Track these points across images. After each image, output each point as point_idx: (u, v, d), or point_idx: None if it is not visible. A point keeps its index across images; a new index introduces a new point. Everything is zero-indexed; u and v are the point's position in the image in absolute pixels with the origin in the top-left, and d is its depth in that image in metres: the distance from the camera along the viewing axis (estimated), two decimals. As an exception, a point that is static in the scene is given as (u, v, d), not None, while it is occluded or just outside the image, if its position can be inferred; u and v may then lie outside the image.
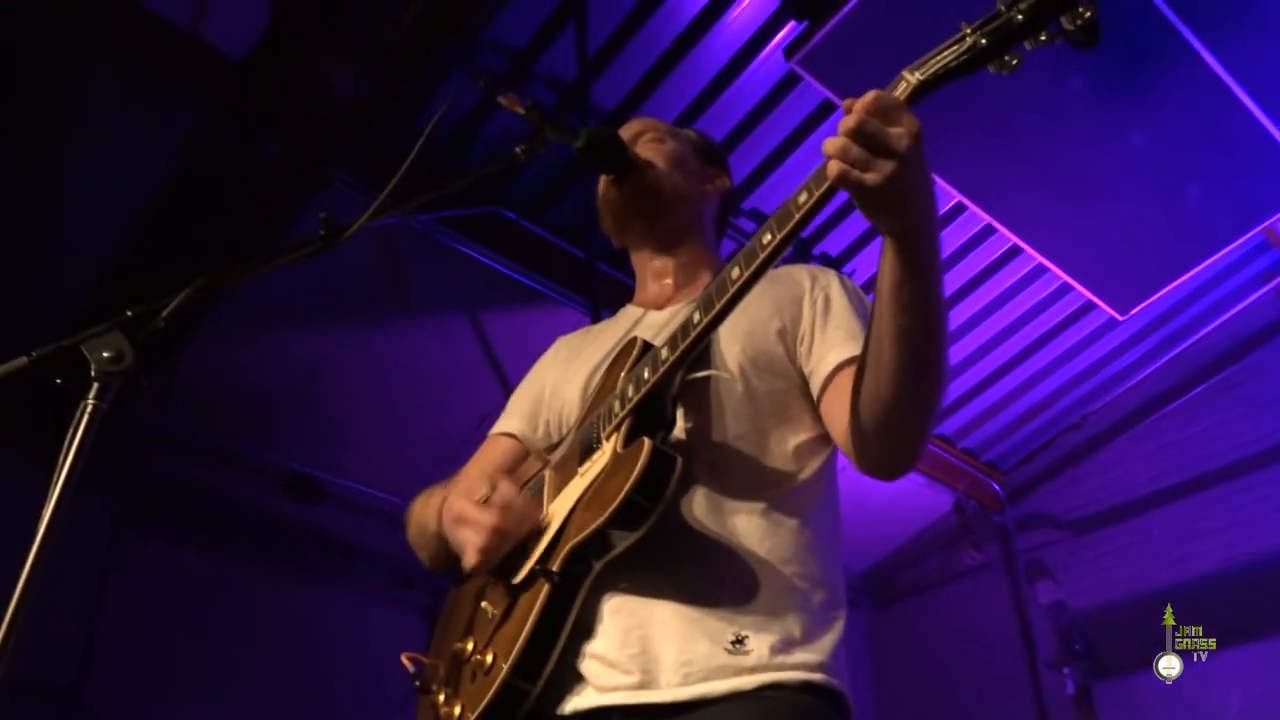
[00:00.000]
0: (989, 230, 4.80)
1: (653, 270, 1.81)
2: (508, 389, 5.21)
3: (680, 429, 1.48)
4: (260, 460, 5.07)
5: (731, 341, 1.53)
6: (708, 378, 1.51)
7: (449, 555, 1.66)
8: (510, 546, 1.47)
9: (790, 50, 3.89)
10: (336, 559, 4.99)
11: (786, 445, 1.51)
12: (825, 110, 4.27)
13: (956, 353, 5.60)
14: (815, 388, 1.51)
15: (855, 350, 1.44)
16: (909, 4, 3.77)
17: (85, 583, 4.27)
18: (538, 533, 1.46)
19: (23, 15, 3.19)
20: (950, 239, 4.94)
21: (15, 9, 3.14)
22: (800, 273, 1.65)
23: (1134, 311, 5.03)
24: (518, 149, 1.64)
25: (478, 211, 4.28)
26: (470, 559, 1.44)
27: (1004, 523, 6.37)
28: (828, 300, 1.58)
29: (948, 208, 4.76)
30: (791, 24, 4.04)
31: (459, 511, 1.49)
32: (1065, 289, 5.10)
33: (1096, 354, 5.76)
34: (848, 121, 1.14)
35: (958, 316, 5.35)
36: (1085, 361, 5.81)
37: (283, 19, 3.59)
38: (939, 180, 4.32)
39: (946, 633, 6.39)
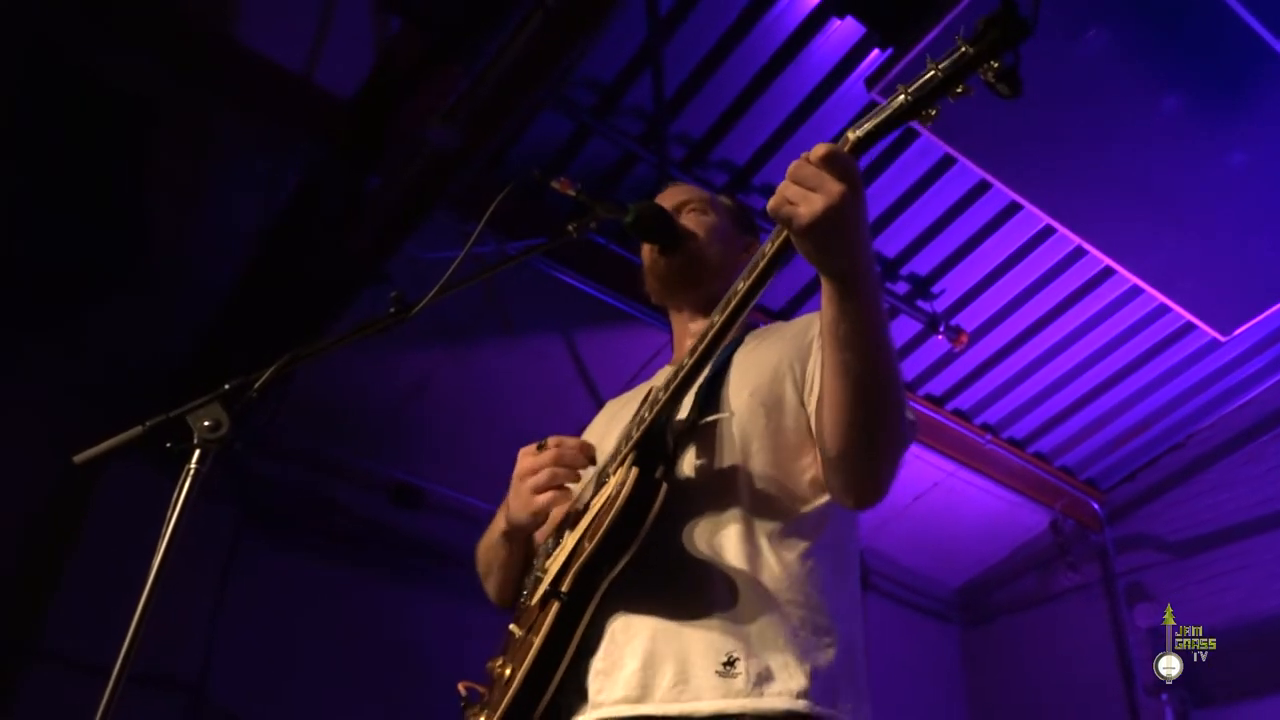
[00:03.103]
0: (1079, 252, 4.75)
1: (690, 333, 1.94)
2: (599, 404, 5.43)
3: (692, 467, 1.61)
4: (369, 470, 5.37)
5: (742, 386, 1.66)
6: (717, 421, 1.63)
7: (514, 572, 1.82)
8: (574, 479, 1.64)
9: (871, 80, 3.94)
10: (437, 564, 5.24)
11: (793, 481, 1.60)
12: (907, 138, 4.31)
13: (1050, 371, 5.55)
14: (812, 424, 1.61)
15: None
16: (991, 33, 3.79)
17: (208, 584, 4.63)
18: (556, 559, 1.61)
19: (150, 69, 3.50)
20: (1039, 261, 4.91)
21: (143, 64, 3.45)
22: (813, 317, 1.73)
23: (1237, 332, 4.90)
24: (570, 227, 1.77)
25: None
26: (541, 500, 1.62)
27: (1103, 542, 6.25)
28: None
29: (1036, 230, 4.74)
30: (875, 52, 4.10)
31: (518, 470, 1.70)
32: (1164, 309, 5.00)
33: (1200, 373, 5.61)
34: (793, 165, 1.30)
35: (1049, 337, 5.31)
36: (1188, 381, 5.66)
37: (386, 63, 3.83)
38: (1026, 204, 4.32)
39: (1042, 653, 6.30)
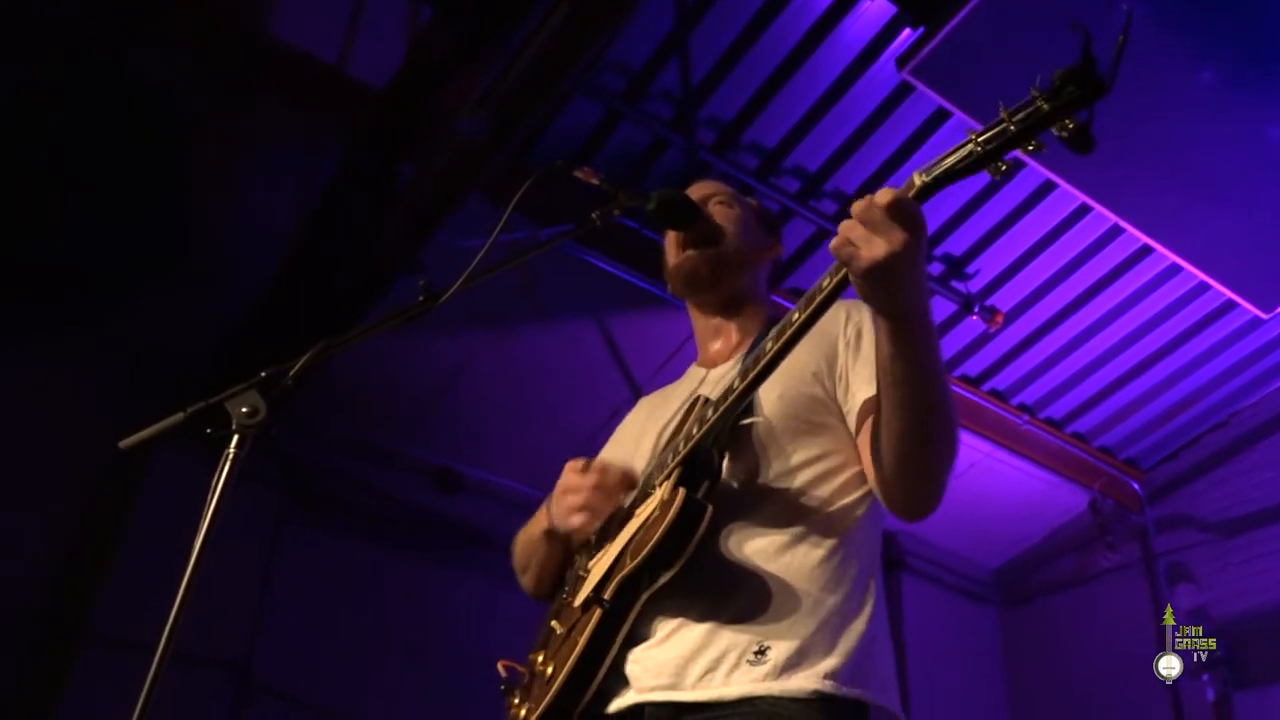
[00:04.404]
0: (1116, 230, 4.70)
1: (711, 329, 1.98)
2: (633, 387, 5.48)
3: (726, 470, 1.65)
4: (406, 453, 5.46)
5: (772, 388, 1.68)
6: (751, 424, 1.67)
7: (552, 568, 1.87)
8: (609, 508, 1.71)
9: (902, 60, 3.92)
10: (475, 547, 5.31)
11: (825, 480, 1.65)
12: (939, 118, 4.28)
13: (1088, 351, 5.50)
14: (851, 425, 1.66)
15: None
16: (1021, 12, 3.76)
17: (253, 567, 4.74)
18: (600, 562, 1.66)
19: (183, 62, 3.57)
20: (1075, 240, 4.86)
21: (176, 58, 3.52)
22: (837, 310, 1.76)
23: (1279, 310, 4.83)
24: (594, 215, 1.81)
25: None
26: (575, 520, 1.70)
27: (1143, 523, 6.18)
28: (859, 337, 1.71)
29: (1072, 209, 4.70)
30: (906, 32, 4.07)
31: (561, 485, 1.77)
32: (1203, 287, 4.93)
33: (1242, 351, 5.52)
34: (857, 205, 1.31)
35: (1086, 316, 5.25)
36: (1230, 359, 5.57)
37: (418, 53, 3.88)
38: (1061, 182, 4.28)
39: (1080, 634, 6.26)
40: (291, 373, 1.54)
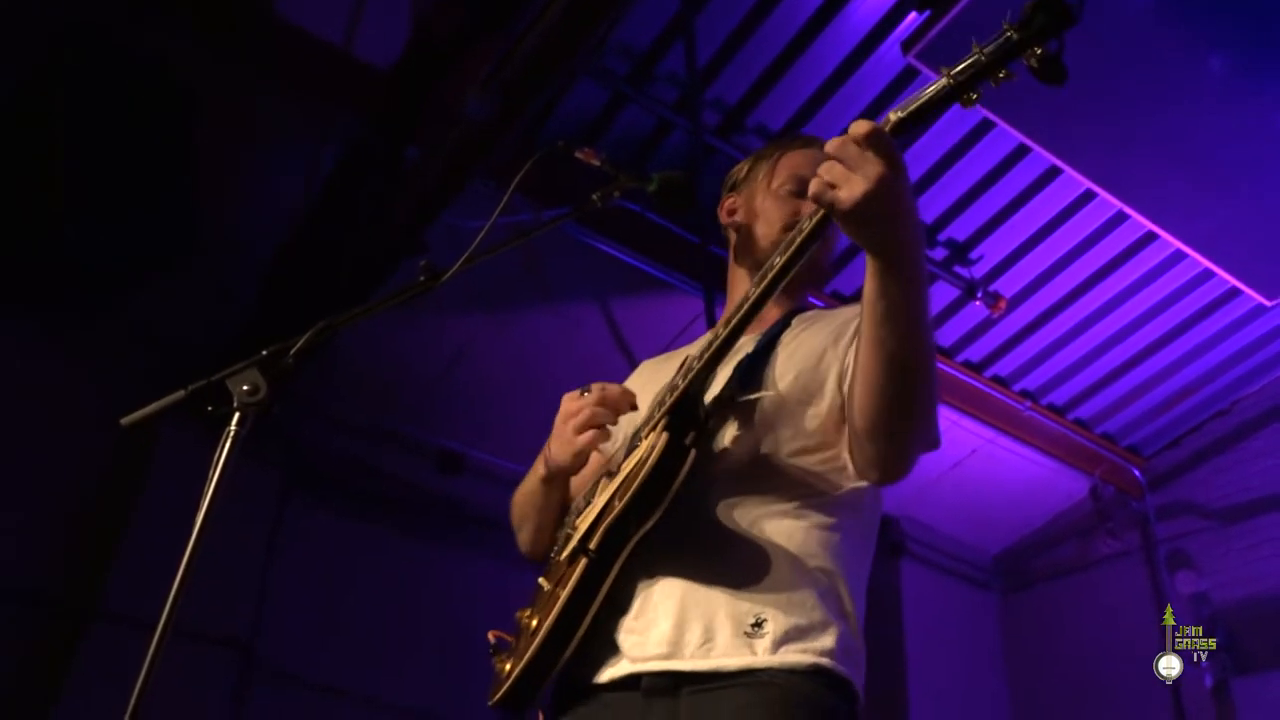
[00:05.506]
0: (1121, 217, 4.69)
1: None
2: (635, 369, 5.47)
3: (731, 440, 1.65)
4: (409, 435, 5.48)
5: (787, 369, 1.69)
6: (759, 399, 1.67)
7: (550, 519, 1.87)
8: (615, 424, 1.69)
9: (908, 44, 3.91)
10: (476, 529, 5.34)
11: (829, 464, 1.65)
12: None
13: (1091, 337, 5.50)
14: (844, 400, 1.64)
15: None
16: (1028, -6, 3.74)
17: (257, 548, 4.77)
18: (586, 517, 1.65)
19: (189, 46, 3.57)
20: (1079, 226, 4.86)
21: (182, 41, 3.52)
22: (858, 306, 1.78)
23: (1284, 297, 4.82)
24: (594, 196, 1.81)
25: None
26: (583, 439, 1.66)
27: (1144, 510, 6.19)
28: None
29: (1076, 195, 4.68)
30: (912, 15, 4.06)
31: (561, 414, 1.74)
32: (1207, 274, 4.93)
33: (1245, 339, 5.52)
34: (832, 142, 1.31)
35: (1090, 303, 5.25)
36: (1233, 347, 5.57)
37: (424, 34, 3.87)
38: (1066, 168, 4.27)
39: (1080, 620, 6.28)
40: (292, 351, 1.56)
